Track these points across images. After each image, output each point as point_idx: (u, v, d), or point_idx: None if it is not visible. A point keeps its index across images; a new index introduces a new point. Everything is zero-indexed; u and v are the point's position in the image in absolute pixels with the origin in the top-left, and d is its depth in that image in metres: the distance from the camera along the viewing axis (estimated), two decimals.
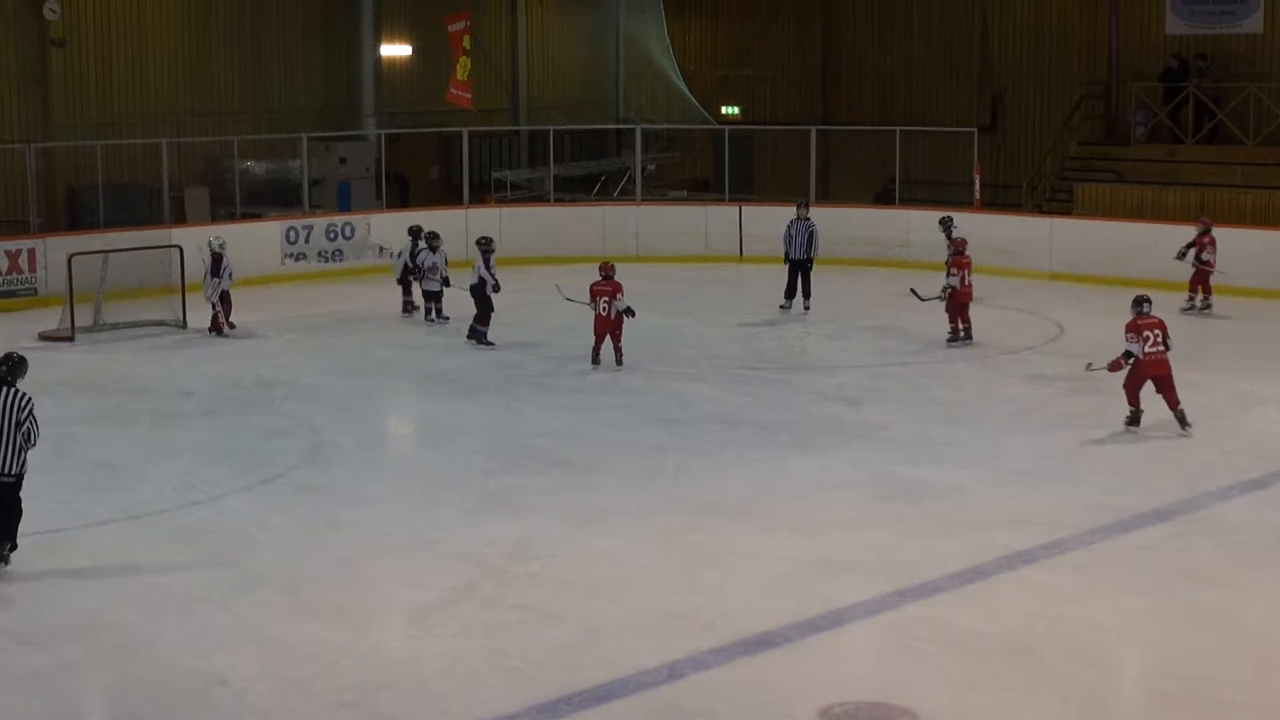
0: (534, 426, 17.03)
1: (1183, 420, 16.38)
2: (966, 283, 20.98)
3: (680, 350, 21.20)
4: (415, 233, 23.75)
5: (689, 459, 15.60)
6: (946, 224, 24.60)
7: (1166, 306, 18.71)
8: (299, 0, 32.38)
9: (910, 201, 30.58)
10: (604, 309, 19.61)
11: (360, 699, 9.91)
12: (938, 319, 21.17)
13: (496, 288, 21.09)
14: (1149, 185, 28.60)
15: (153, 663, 10.50)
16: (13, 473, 12.24)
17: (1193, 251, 23.72)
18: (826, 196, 31.44)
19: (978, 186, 29.02)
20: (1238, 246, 25.26)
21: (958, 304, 21.04)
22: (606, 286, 19.68)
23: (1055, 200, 30.23)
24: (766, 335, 22.60)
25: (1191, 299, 23.58)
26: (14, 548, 12.31)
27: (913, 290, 21.86)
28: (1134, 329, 16.35)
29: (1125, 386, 16.53)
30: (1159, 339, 16.31)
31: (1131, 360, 16.33)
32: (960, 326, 21.13)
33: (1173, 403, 16.40)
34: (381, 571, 12.36)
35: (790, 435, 16.59)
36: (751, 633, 10.90)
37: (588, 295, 19.90)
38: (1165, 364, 16.38)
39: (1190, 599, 11.76)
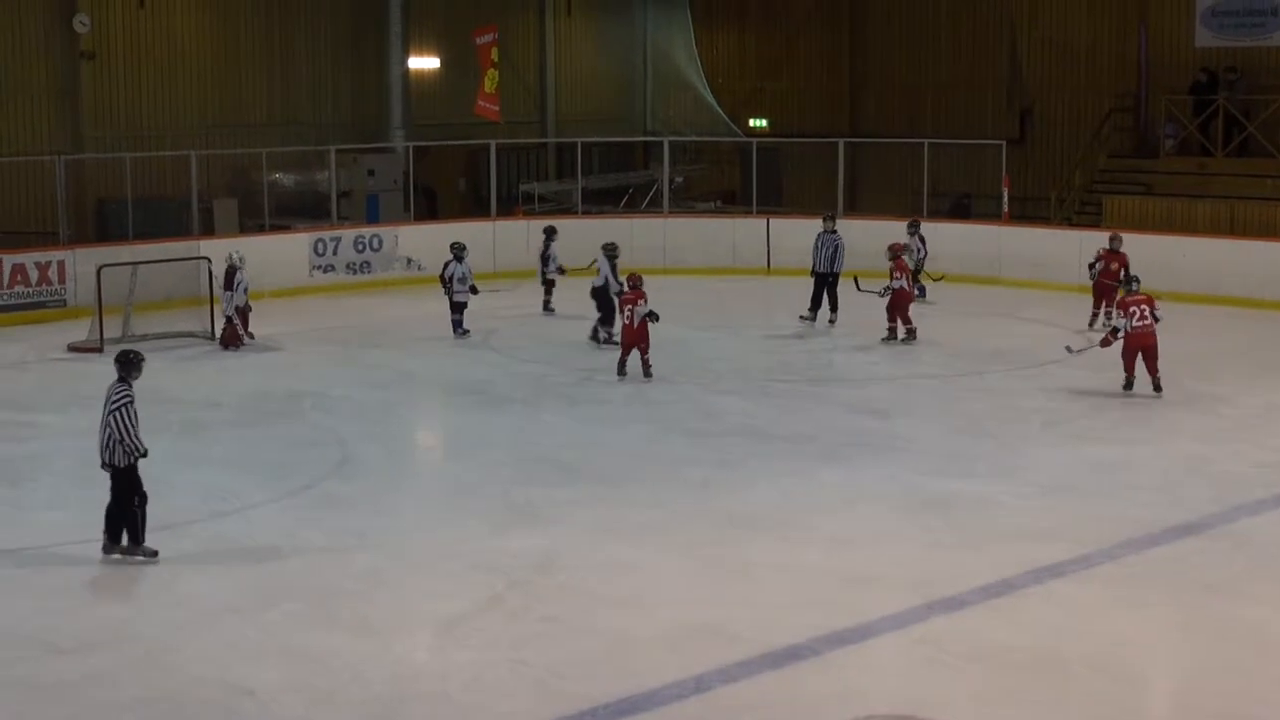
0: (561, 438, 17.04)
1: (1158, 387, 18.36)
2: (908, 285, 22.24)
3: (707, 362, 21.17)
4: (550, 233, 24.80)
5: (716, 471, 15.58)
6: (914, 227, 25.47)
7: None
8: (327, 13, 32.50)
9: (938, 214, 30.45)
10: (627, 316, 19.65)
11: (386, 710, 9.91)
12: (965, 331, 21.04)
13: (621, 292, 21.23)
14: (1178, 198, 28.48)
15: (179, 673, 10.51)
16: (106, 463, 12.28)
17: (1098, 265, 23.07)
18: (854, 209, 31.36)
19: (1006, 199, 28.93)
20: (1269, 260, 25.17)
21: (902, 304, 22.01)
22: (630, 295, 19.72)
23: (1084, 213, 30.11)
24: (794, 347, 22.55)
25: (1102, 313, 22.73)
26: (151, 551, 12.50)
27: (855, 280, 22.44)
28: (1122, 306, 18.52)
29: (1122, 357, 18.41)
30: (1145, 313, 18.19)
31: (1120, 334, 18.27)
32: (901, 326, 22.01)
33: (1152, 369, 18.34)
34: (408, 583, 12.37)
35: (818, 447, 16.57)
36: (779, 645, 10.87)
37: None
38: (1152, 336, 18.29)
39: (1219, 613, 11.68)
